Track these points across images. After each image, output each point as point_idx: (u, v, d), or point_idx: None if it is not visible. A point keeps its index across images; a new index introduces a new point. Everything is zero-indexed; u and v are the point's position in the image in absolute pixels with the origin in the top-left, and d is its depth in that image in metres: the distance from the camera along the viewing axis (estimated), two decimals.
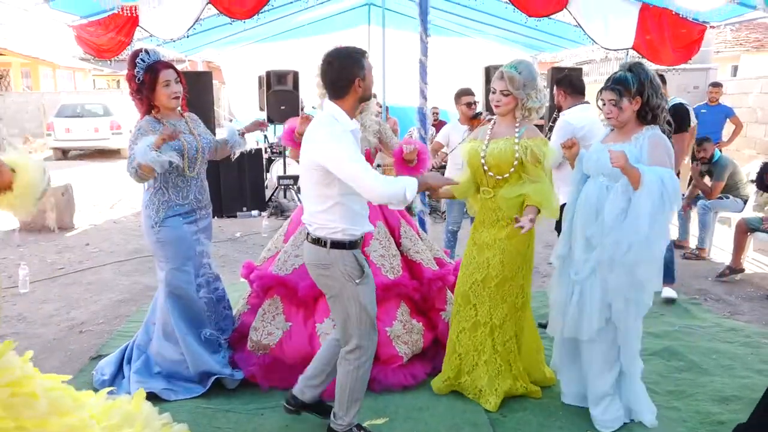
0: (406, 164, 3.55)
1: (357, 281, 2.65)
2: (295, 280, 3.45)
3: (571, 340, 3.10)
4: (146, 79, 3.23)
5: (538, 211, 3.05)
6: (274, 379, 3.43)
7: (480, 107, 7.55)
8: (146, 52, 3.27)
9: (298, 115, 8.78)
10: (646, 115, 2.83)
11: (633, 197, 2.69)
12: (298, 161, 3.88)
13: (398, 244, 3.67)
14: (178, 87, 3.32)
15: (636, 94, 2.78)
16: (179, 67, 11.12)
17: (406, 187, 2.49)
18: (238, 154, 3.82)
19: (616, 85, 2.81)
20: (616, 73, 2.89)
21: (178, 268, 3.37)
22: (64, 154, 15.99)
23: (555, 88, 4.55)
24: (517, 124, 3.14)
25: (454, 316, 3.37)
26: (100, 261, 6.16)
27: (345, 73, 2.58)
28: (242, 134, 3.70)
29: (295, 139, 3.55)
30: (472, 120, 5.28)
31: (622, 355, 2.99)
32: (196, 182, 3.44)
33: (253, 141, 11.31)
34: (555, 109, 4.70)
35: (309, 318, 3.48)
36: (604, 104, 2.88)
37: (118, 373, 3.47)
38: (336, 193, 2.58)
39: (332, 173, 2.52)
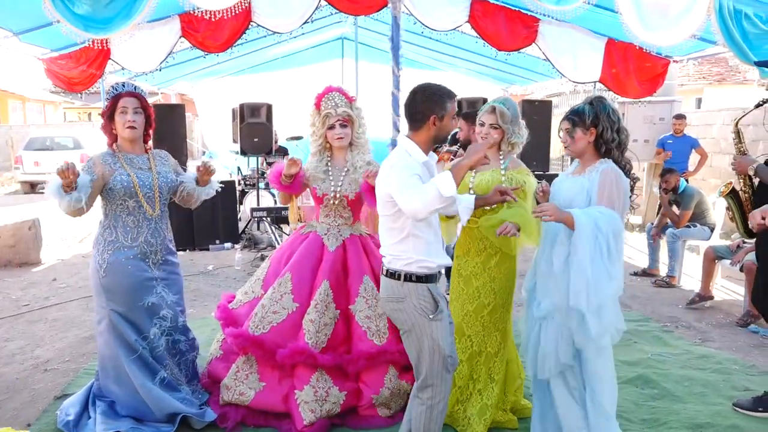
0: (373, 193, 3.33)
1: (431, 316, 2.57)
2: (274, 341, 3.29)
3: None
4: (108, 105, 3.19)
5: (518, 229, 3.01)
6: (248, 424, 3.33)
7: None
8: (122, 84, 3.23)
9: (271, 148, 8.86)
10: (600, 148, 2.84)
11: (571, 242, 2.65)
12: (285, 203, 3.77)
13: None
14: (137, 117, 3.18)
15: (590, 126, 2.80)
16: (152, 100, 11.08)
17: (438, 185, 2.40)
18: (200, 202, 3.54)
19: (572, 115, 2.86)
20: (576, 105, 2.96)
21: (121, 315, 3.21)
22: (32, 187, 15.69)
23: (463, 122, 4.63)
24: (501, 156, 3.23)
25: None
26: (67, 297, 6.00)
27: (424, 107, 2.58)
28: (200, 184, 3.46)
29: (282, 182, 3.45)
30: (434, 152, 5.36)
31: (587, 399, 2.85)
32: (149, 224, 3.26)
33: (226, 173, 11.28)
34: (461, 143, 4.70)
35: (285, 378, 3.34)
36: (562, 133, 2.93)
37: (84, 413, 3.33)
38: (408, 224, 2.55)
39: None
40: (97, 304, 3.31)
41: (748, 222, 2.84)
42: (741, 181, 3.66)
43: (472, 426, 3.21)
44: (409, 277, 2.58)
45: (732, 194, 3.69)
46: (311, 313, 3.34)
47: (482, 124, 3.22)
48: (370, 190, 3.39)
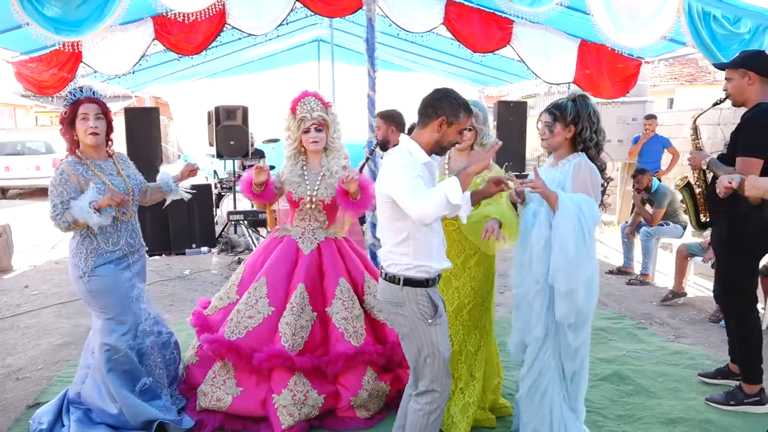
0: (348, 198, 3.42)
1: (429, 321, 2.53)
2: (250, 345, 3.29)
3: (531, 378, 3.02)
4: (68, 112, 3.13)
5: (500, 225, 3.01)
6: (226, 429, 3.31)
7: None
8: (80, 88, 3.17)
9: (247, 151, 8.81)
10: (578, 145, 2.88)
11: (553, 222, 2.70)
12: (261, 209, 3.78)
13: (362, 301, 3.53)
14: (98, 123, 3.15)
15: (570, 123, 2.84)
16: (126, 103, 10.89)
17: (446, 191, 2.35)
18: (169, 201, 3.62)
19: (554, 109, 2.89)
20: (560, 99, 2.99)
21: (114, 319, 3.21)
22: (3, 193, 15.40)
23: (381, 121, 4.73)
24: None
25: None
26: (40, 303, 5.90)
27: (437, 106, 2.54)
28: (176, 181, 3.55)
29: (254, 191, 3.45)
30: None
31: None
32: (126, 226, 3.28)
33: (202, 176, 11.17)
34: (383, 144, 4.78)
35: (262, 382, 3.32)
36: (540, 125, 2.96)
37: (57, 421, 3.28)
38: (409, 225, 2.50)
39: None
40: (89, 308, 3.32)
41: (717, 188, 2.88)
42: (695, 175, 3.79)
43: (456, 424, 3.22)
44: (408, 282, 2.54)
45: (687, 187, 3.81)
46: (287, 316, 3.33)
47: None
48: (344, 194, 3.41)
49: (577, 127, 2.84)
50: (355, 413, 3.36)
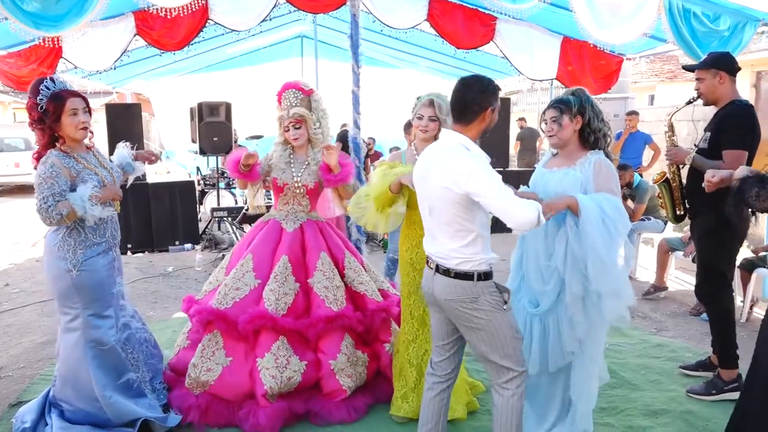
0: (330, 172, 3.55)
1: (505, 307, 2.54)
2: (236, 313, 3.37)
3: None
4: (50, 107, 3.01)
5: None
6: (210, 418, 3.31)
7: None
8: (51, 80, 3.07)
9: (231, 147, 8.75)
10: (588, 137, 2.87)
11: (579, 228, 2.68)
12: (242, 188, 3.82)
13: (342, 275, 3.63)
14: (86, 117, 3.10)
15: (577, 113, 2.84)
16: (107, 99, 10.75)
17: (540, 213, 2.38)
18: (131, 181, 3.62)
19: (558, 103, 2.90)
20: (559, 96, 3.01)
21: (98, 315, 3.16)
22: None
23: None
24: None
25: (411, 342, 3.35)
26: (21, 302, 5.83)
27: (481, 98, 2.50)
28: (135, 159, 3.57)
29: (241, 170, 3.51)
30: None
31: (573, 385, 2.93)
32: (111, 218, 3.27)
33: (185, 173, 11.09)
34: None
35: (250, 352, 3.39)
36: (546, 123, 2.95)
37: (40, 420, 3.24)
38: (477, 225, 2.49)
39: (477, 204, 2.42)
40: (63, 306, 3.17)
41: (704, 183, 2.94)
42: (672, 170, 3.89)
43: (452, 407, 3.20)
44: (480, 276, 2.53)
45: (665, 182, 3.91)
46: (271, 284, 3.46)
47: (421, 117, 3.27)
48: (327, 169, 3.57)
49: (584, 117, 2.84)
50: (338, 381, 3.39)
